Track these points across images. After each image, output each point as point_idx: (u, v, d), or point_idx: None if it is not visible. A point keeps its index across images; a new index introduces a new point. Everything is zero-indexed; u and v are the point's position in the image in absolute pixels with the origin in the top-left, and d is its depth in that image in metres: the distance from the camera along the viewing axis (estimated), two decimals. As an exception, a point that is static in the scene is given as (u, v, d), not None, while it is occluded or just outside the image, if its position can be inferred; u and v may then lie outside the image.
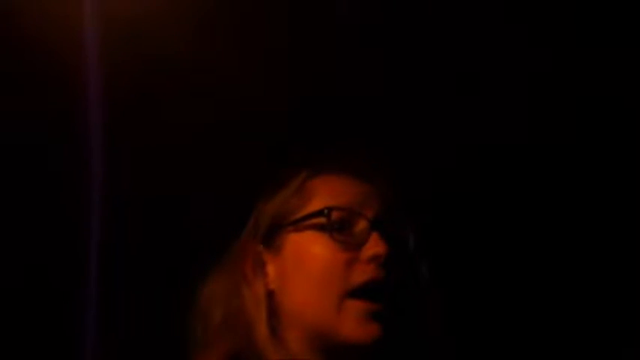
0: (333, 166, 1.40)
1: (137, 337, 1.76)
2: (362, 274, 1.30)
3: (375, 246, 1.30)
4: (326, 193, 1.36)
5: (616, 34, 1.90)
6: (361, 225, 1.33)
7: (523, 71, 1.91)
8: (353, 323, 1.28)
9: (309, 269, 1.32)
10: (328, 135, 1.84)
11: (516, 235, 1.96)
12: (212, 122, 1.86)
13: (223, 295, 1.36)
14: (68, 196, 1.77)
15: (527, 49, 1.89)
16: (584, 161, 1.97)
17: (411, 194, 1.41)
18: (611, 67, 1.90)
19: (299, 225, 1.34)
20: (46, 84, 1.76)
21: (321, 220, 1.33)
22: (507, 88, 1.91)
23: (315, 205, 1.34)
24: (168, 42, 1.79)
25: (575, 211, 1.96)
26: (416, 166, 1.83)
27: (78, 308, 1.71)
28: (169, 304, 1.56)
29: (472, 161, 1.94)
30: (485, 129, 1.93)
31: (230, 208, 1.56)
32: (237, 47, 1.85)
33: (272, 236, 1.36)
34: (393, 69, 1.91)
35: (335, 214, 1.32)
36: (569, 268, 1.95)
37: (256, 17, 1.86)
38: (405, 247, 1.36)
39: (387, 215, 1.35)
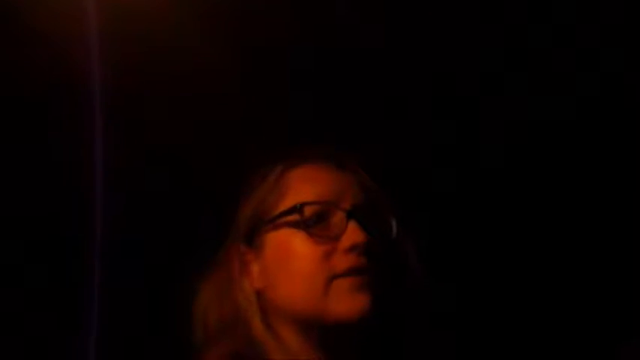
0: (309, 157, 1.40)
1: (140, 336, 1.78)
2: (342, 263, 1.31)
3: (352, 235, 1.31)
4: (300, 187, 1.36)
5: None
6: (338, 216, 1.33)
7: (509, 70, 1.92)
8: (342, 297, 1.29)
9: (290, 266, 1.33)
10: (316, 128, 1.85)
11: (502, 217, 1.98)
12: (214, 116, 1.88)
13: (215, 297, 1.38)
14: (70, 193, 1.79)
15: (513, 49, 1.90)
16: (568, 160, 1.98)
17: (392, 179, 1.42)
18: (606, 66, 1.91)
19: (275, 223, 1.35)
20: (49, 75, 1.78)
21: (296, 216, 1.33)
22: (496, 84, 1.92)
23: (290, 201, 1.35)
24: (172, 35, 1.81)
25: (550, 207, 1.98)
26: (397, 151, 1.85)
27: (81, 305, 1.73)
28: (172, 302, 1.56)
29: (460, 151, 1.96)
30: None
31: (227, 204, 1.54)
32: (238, 40, 1.87)
33: (253, 235, 1.37)
34: (376, 60, 1.92)
35: (308, 209, 1.33)
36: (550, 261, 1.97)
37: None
38: (387, 232, 1.37)
39: (365, 202, 1.35)
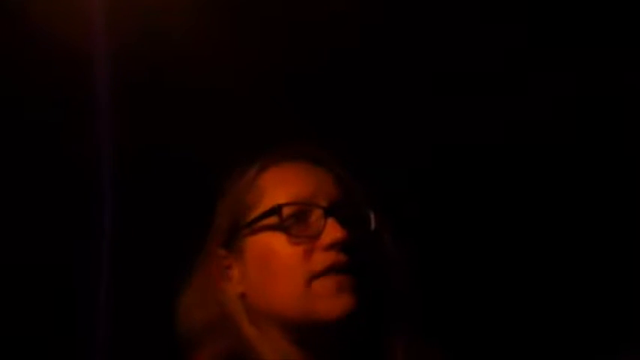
0: (284, 155, 1.40)
1: (148, 335, 1.77)
2: (322, 261, 1.30)
3: (331, 233, 1.31)
4: (277, 187, 1.36)
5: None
6: (316, 214, 1.33)
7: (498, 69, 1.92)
8: (325, 299, 1.29)
9: (271, 269, 1.33)
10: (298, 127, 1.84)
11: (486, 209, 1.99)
12: (219, 111, 1.89)
13: (199, 300, 1.38)
14: (78, 190, 1.79)
15: (507, 45, 1.90)
16: (561, 161, 1.99)
17: (371, 174, 1.42)
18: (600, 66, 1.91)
19: (254, 227, 1.35)
20: (55, 72, 1.79)
21: (274, 218, 1.33)
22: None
23: (266, 203, 1.35)
24: (179, 30, 1.82)
25: (538, 209, 1.99)
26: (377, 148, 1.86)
27: (88, 306, 1.74)
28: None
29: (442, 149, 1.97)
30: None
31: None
32: (245, 35, 1.88)
33: (232, 239, 1.37)
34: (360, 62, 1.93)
35: (286, 210, 1.33)
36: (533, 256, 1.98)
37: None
38: (366, 226, 1.36)
39: (343, 198, 1.35)
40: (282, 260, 1.32)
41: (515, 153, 1.97)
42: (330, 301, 1.29)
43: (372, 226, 1.37)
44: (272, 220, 1.33)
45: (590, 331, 1.92)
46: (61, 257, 1.81)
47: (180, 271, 1.40)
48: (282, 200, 1.34)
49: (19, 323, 1.78)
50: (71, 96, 1.79)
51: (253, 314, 1.35)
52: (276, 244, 1.33)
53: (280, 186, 1.36)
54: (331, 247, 1.30)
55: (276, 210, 1.33)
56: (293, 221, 1.33)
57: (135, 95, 1.81)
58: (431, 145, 1.96)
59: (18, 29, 1.75)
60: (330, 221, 1.32)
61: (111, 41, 1.75)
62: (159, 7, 1.78)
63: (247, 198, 1.37)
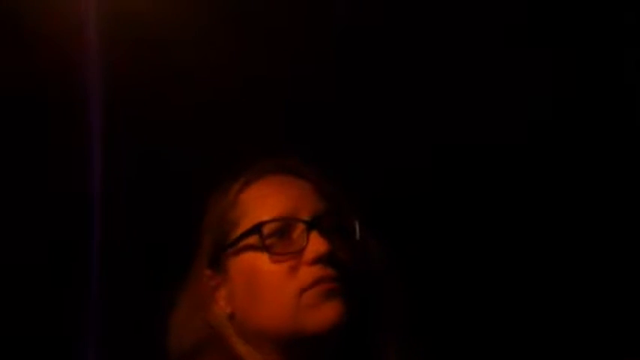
0: (265, 170, 1.38)
1: (139, 336, 1.71)
2: (309, 275, 1.29)
3: (315, 246, 1.29)
4: (258, 204, 1.34)
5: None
6: (299, 229, 1.31)
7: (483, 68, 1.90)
8: (313, 308, 1.27)
9: (258, 289, 1.31)
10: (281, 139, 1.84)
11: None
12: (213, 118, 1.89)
13: (189, 321, 1.36)
14: (68, 191, 1.78)
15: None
16: (553, 161, 1.98)
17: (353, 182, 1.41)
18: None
19: (237, 246, 1.34)
20: (48, 77, 1.78)
21: (256, 237, 1.31)
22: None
23: (249, 220, 1.33)
24: (171, 36, 1.81)
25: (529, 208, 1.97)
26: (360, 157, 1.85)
27: (79, 306, 1.74)
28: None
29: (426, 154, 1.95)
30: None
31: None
32: (239, 43, 1.87)
33: (217, 259, 1.36)
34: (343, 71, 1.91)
35: (268, 228, 1.31)
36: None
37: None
38: (351, 236, 1.35)
39: (326, 210, 1.34)
40: (267, 279, 1.30)
41: (513, 153, 1.96)
42: (319, 309, 1.28)
43: (357, 235, 1.36)
44: (254, 238, 1.32)
45: (593, 333, 1.91)
46: (50, 260, 1.81)
47: (166, 289, 1.39)
48: (263, 217, 1.32)
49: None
50: (62, 100, 1.79)
51: (243, 333, 1.34)
52: (259, 263, 1.31)
53: (261, 202, 1.34)
54: (315, 261, 1.29)
55: (257, 229, 1.31)
56: (276, 238, 1.31)
57: (127, 101, 1.81)
58: (424, 146, 1.96)
59: (9, 36, 1.75)
60: (313, 235, 1.30)
61: (103, 50, 1.76)
62: (152, 15, 1.78)
63: (229, 216, 1.36)
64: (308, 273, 1.29)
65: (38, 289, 1.80)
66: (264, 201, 1.34)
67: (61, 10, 1.73)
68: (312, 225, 1.31)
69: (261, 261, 1.31)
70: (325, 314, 1.27)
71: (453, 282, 1.92)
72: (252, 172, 1.38)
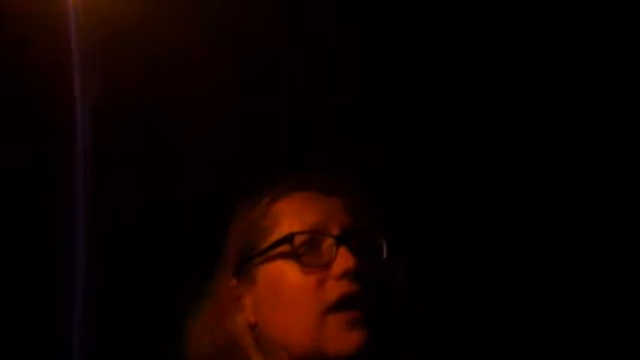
0: (295, 186, 1.39)
1: (124, 337, 1.76)
2: (335, 290, 1.29)
3: (343, 262, 1.29)
4: (289, 217, 1.35)
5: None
6: (328, 243, 1.32)
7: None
8: (337, 335, 1.27)
9: (283, 298, 1.31)
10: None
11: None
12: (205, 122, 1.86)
13: (208, 326, 1.37)
14: (54, 197, 1.77)
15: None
16: (578, 161, 1.96)
17: (383, 200, 1.40)
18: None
19: (266, 255, 1.34)
20: (31, 84, 1.78)
21: (287, 247, 1.32)
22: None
23: (280, 231, 1.34)
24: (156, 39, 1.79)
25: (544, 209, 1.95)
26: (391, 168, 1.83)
27: (64, 307, 1.72)
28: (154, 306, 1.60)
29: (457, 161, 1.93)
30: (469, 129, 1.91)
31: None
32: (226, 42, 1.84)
33: (243, 268, 1.36)
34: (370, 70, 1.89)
35: (299, 239, 1.32)
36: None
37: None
38: (378, 254, 1.34)
39: (354, 226, 1.34)
40: (294, 290, 1.31)
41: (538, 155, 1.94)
42: (343, 337, 1.27)
43: (384, 254, 1.35)
44: (284, 248, 1.33)
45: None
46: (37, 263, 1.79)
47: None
48: (295, 228, 1.33)
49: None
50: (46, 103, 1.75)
51: (263, 345, 1.33)
52: (288, 272, 1.32)
53: (293, 214, 1.35)
54: (343, 276, 1.29)
55: (289, 238, 1.32)
56: (305, 250, 1.32)
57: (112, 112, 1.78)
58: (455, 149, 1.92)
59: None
60: (342, 250, 1.31)
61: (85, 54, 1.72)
62: (134, 16, 1.75)
63: (259, 227, 1.36)
64: (334, 288, 1.29)
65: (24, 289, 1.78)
66: (294, 214, 1.35)
67: (42, 14, 1.72)
68: (340, 240, 1.32)
69: (289, 270, 1.31)
70: (348, 343, 1.27)
71: (478, 290, 1.90)
72: (282, 186, 1.39)
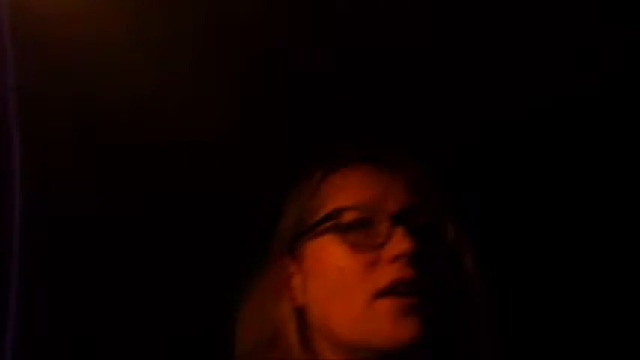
0: (354, 158, 1.28)
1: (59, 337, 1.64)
2: (386, 274, 1.17)
3: (398, 243, 1.17)
4: (341, 191, 1.24)
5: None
6: (383, 221, 1.19)
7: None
8: (385, 324, 1.15)
9: (328, 279, 1.21)
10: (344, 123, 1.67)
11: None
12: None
13: (255, 313, 1.27)
14: None
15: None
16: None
17: (450, 178, 1.27)
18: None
19: (315, 231, 1.23)
20: None
21: (335, 223, 1.21)
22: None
23: (330, 207, 1.23)
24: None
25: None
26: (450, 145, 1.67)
27: None
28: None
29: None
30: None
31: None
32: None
33: (295, 246, 1.26)
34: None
35: (349, 215, 1.21)
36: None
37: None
38: (442, 237, 1.22)
39: (416, 205, 1.21)
40: (341, 271, 1.20)
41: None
42: (391, 325, 1.16)
43: (450, 237, 1.23)
44: (332, 225, 1.22)
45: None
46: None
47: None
48: (346, 204, 1.22)
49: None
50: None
51: (309, 331, 1.23)
52: (335, 251, 1.21)
53: (345, 190, 1.24)
54: (397, 258, 1.17)
55: (334, 214, 1.21)
56: (357, 228, 1.20)
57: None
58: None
59: None
60: (399, 230, 1.18)
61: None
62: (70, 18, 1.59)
63: (310, 202, 1.26)
64: (386, 271, 1.17)
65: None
66: (348, 188, 1.24)
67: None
68: (398, 219, 1.19)
69: (337, 250, 1.21)
70: (398, 332, 1.16)
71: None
72: (338, 159, 1.28)
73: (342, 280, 1.19)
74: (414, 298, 1.16)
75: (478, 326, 1.22)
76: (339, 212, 1.21)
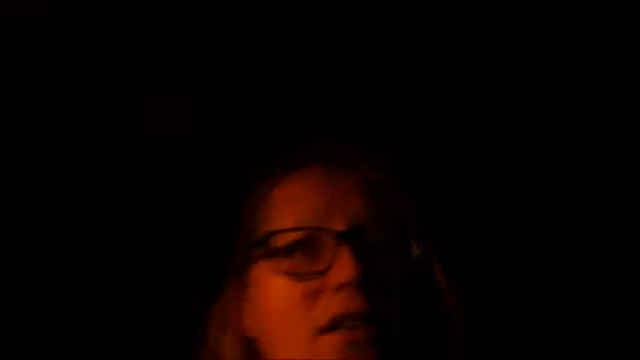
0: (303, 159, 1.09)
1: None
2: (329, 308, 0.99)
3: (341, 269, 0.99)
4: (283, 208, 1.05)
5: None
6: (327, 241, 1.01)
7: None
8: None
9: (269, 311, 1.04)
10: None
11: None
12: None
13: (211, 336, 1.11)
14: None
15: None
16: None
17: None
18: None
19: (253, 255, 1.06)
20: None
21: (271, 248, 1.04)
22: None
23: (265, 227, 1.05)
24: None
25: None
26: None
27: None
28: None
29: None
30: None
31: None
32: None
33: (241, 267, 1.08)
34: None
35: (282, 239, 1.03)
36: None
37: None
38: (405, 251, 1.03)
39: (372, 216, 1.03)
40: (281, 304, 1.03)
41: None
42: None
43: (416, 251, 1.04)
44: (265, 252, 1.05)
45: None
46: None
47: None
48: (280, 225, 1.04)
49: None
50: None
51: None
52: (273, 281, 1.04)
53: (287, 203, 1.06)
54: (342, 287, 0.99)
55: (265, 239, 1.04)
56: (295, 252, 1.03)
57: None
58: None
59: None
60: (344, 251, 1.00)
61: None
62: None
63: (255, 217, 1.08)
64: (329, 304, 1.00)
65: None
66: (290, 202, 1.06)
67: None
68: (345, 236, 1.01)
69: (275, 279, 1.03)
70: None
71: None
72: (289, 162, 1.10)
73: (282, 314, 1.02)
74: (364, 331, 0.98)
75: (455, 347, 1.04)
76: (270, 236, 1.03)
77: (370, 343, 0.98)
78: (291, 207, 1.04)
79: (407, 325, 1.01)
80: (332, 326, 0.98)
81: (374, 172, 1.07)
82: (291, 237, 1.02)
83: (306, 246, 1.02)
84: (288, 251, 1.02)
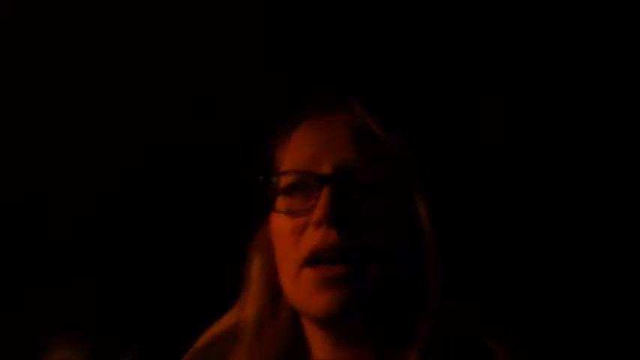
0: (308, 112, 1.19)
1: None
2: (309, 241, 1.10)
3: (320, 207, 1.09)
4: (289, 152, 1.18)
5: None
6: (314, 184, 1.12)
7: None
8: (310, 295, 1.09)
9: (275, 244, 1.17)
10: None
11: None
12: None
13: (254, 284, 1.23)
14: None
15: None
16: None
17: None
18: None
19: (270, 195, 1.18)
20: None
21: (274, 189, 1.17)
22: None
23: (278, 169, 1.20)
24: None
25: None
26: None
27: None
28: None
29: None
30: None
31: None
32: None
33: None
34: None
35: (283, 181, 1.16)
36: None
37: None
38: (392, 193, 1.11)
39: (360, 160, 1.12)
40: (278, 238, 1.17)
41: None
42: (317, 296, 1.09)
43: (400, 192, 1.12)
44: (271, 191, 1.17)
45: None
46: None
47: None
48: (283, 168, 1.18)
49: None
50: None
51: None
52: (276, 217, 1.17)
53: (291, 150, 1.19)
54: (319, 224, 1.10)
55: (266, 182, 1.17)
56: (295, 193, 1.15)
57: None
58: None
59: None
60: (325, 192, 1.10)
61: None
62: None
63: (272, 159, 1.22)
64: (309, 237, 1.11)
65: None
66: (293, 149, 1.18)
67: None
68: (327, 180, 1.11)
69: (277, 214, 1.16)
70: (323, 303, 1.09)
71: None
72: (295, 116, 1.21)
73: (279, 247, 1.16)
74: (340, 267, 1.08)
75: (440, 286, 1.10)
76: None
77: (344, 279, 1.07)
78: (292, 155, 1.16)
79: (389, 262, 1.09)
80: (312, 260, 1.09)
81: (368, 115, 1.14)
82: (287, 180, 1.14)
83: (301, 188, 1.13)
84: (286, 192, 1.14)
